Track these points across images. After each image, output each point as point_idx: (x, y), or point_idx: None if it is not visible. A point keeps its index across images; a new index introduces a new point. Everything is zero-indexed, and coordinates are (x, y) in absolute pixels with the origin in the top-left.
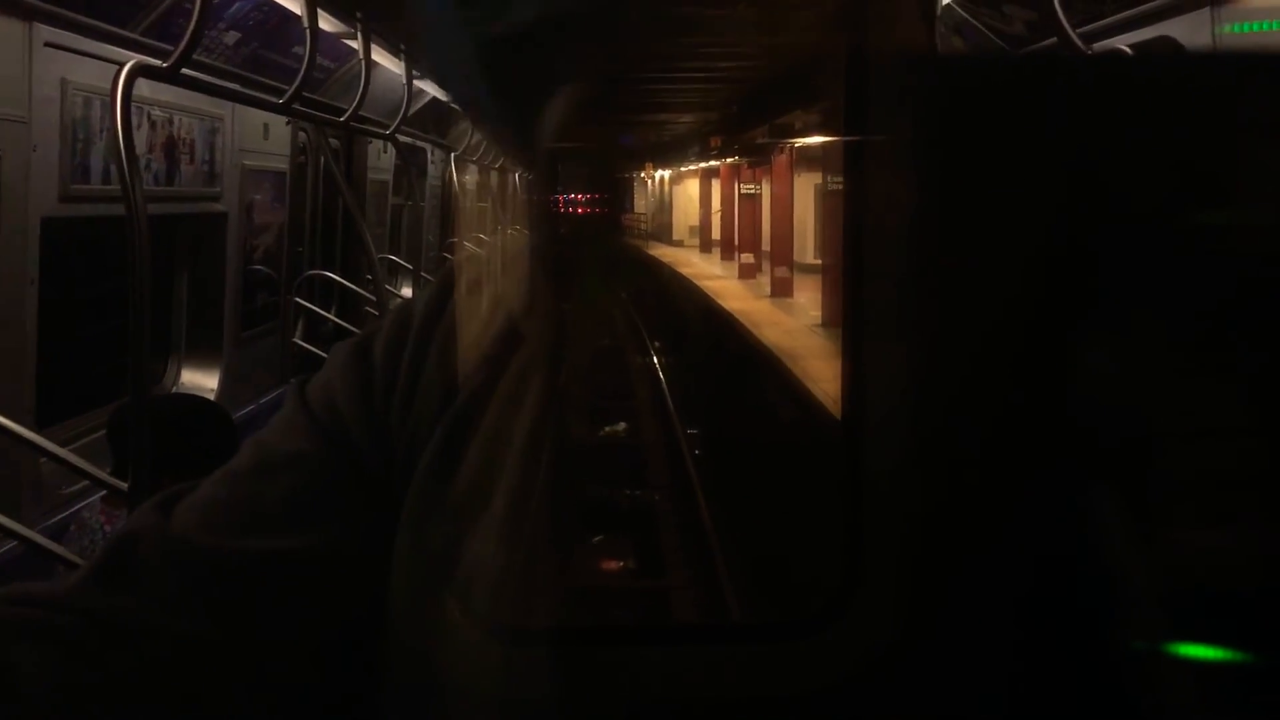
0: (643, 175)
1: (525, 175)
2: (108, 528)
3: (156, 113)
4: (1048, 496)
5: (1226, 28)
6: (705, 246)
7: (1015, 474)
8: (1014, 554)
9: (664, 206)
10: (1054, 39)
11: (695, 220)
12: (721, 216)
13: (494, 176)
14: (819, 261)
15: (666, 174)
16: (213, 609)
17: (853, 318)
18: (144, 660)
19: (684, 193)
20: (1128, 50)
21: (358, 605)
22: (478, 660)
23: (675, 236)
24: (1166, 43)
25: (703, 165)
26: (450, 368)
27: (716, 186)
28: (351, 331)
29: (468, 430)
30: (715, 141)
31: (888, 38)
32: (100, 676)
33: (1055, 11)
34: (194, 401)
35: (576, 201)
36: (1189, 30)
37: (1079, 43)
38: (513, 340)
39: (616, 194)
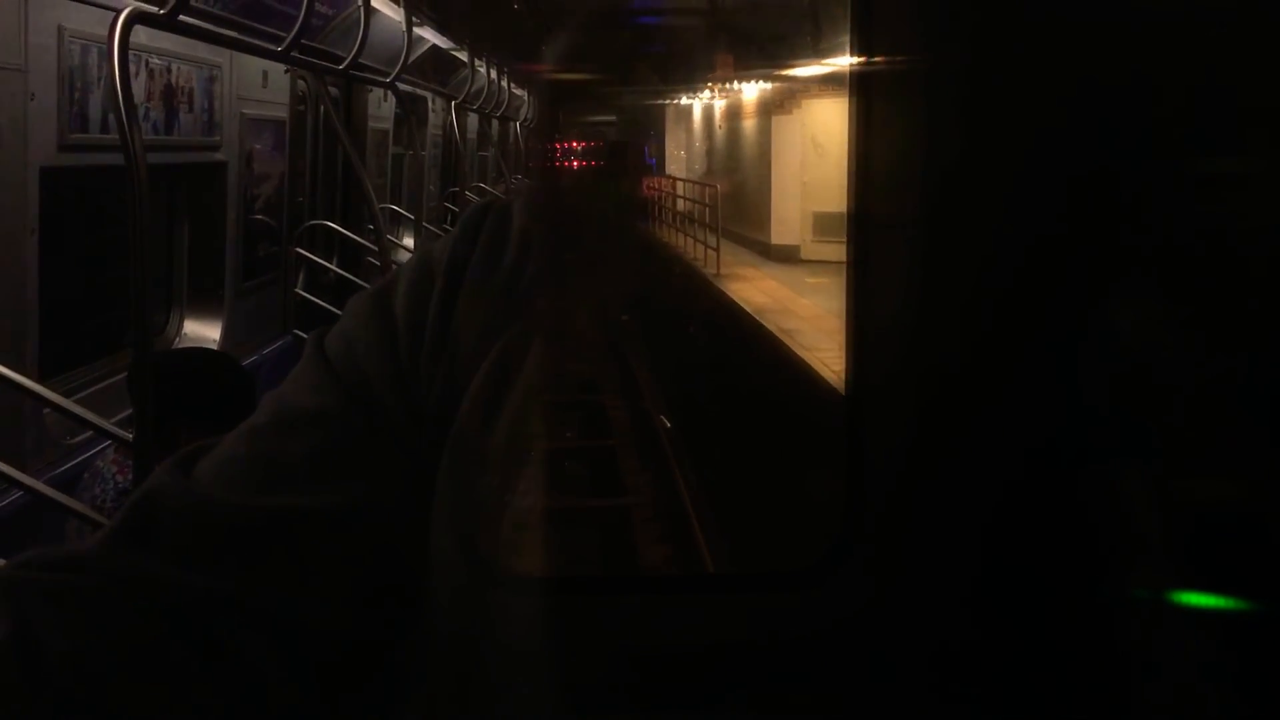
0: (690, 99)
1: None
2: (120, 478)
3: (154, 60)
4: (1046, 456)
5: None
6: None
7: (1016, 434)
8: (1009, 512)
9: (743, 164)
10: None
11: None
12: None
13: (494, 125)
14: None
15: (751, 93)
16: (235, 565)
17: (859, 278)
18: (167, 617)
19: (801, 130)
20: None
21: (381, 559)
22: (507, 606)
23: (778, 238)
24: None
25: None
26: (486, 312)
27: None
28: (352, 281)
29: (511, 373)
30: None
31: None
32: (123, 635)
33: None
34: (211, 355)
35: (572, 152)
36: None
37: None
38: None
39: (631, 138)
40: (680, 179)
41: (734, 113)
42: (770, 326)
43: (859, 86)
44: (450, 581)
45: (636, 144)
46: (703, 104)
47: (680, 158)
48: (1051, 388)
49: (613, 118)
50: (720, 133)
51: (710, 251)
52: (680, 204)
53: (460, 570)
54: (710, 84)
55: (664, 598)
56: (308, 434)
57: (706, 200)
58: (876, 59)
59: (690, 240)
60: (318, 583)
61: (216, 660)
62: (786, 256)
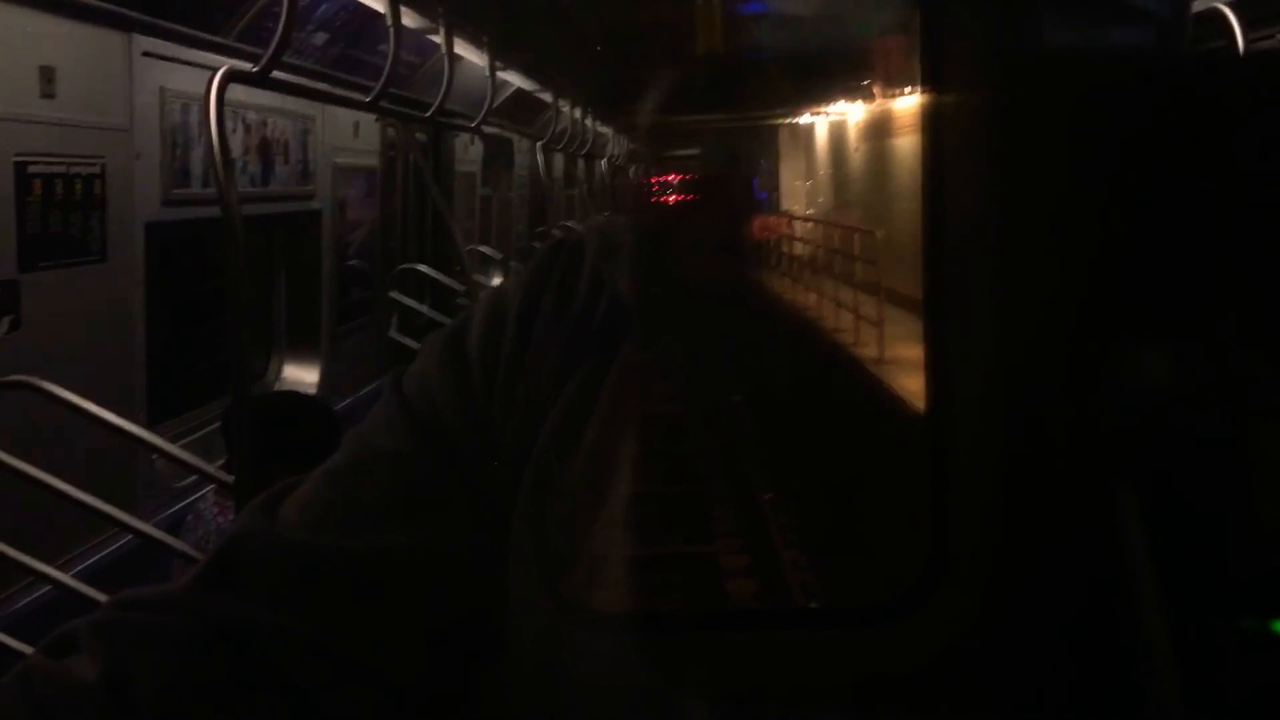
0: (814, 114)
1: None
2: (220, 520)
3: (251, 115)
4: (1135, 492)
5: None
6: None
7: (1102, 468)
8: (1096, 549)
9: (892, 197)
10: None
11: None
12: None
13: (580, 163)
14: None
15: (906, 102)
16: (317, 606)
17: (936, 306)
18: (252, 657)
19: None
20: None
21: (459, 599)
22: (589, 646)
23: None
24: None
25: None
26: (560, 350)
27: None
28: (445, 324)
29: (588, 411)
30: None
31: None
32: (210, 675)
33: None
34: (302, 399)
35: (668, 186)
36: None
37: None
38: (622, 323)
39: (734, 168)
40: (801, 218)
41: (879, 128)
42: None
43: (930, 114)
44: (532, 620)
45: (742, 175)
46: (830, 120)
47: (799, 190)
48: (1137, 427)
49: (696, 150)
50: (857, 156)
51: (866, 325)
52: (800, 249)
53: (542, 609)
54: (865, 85)
55: (752, 634)
56: (384, 474)
57: (857, 252)
58: (948, 91)
59: (825, 301)
60: (397, 623)
61: (299, 701)
62: None
